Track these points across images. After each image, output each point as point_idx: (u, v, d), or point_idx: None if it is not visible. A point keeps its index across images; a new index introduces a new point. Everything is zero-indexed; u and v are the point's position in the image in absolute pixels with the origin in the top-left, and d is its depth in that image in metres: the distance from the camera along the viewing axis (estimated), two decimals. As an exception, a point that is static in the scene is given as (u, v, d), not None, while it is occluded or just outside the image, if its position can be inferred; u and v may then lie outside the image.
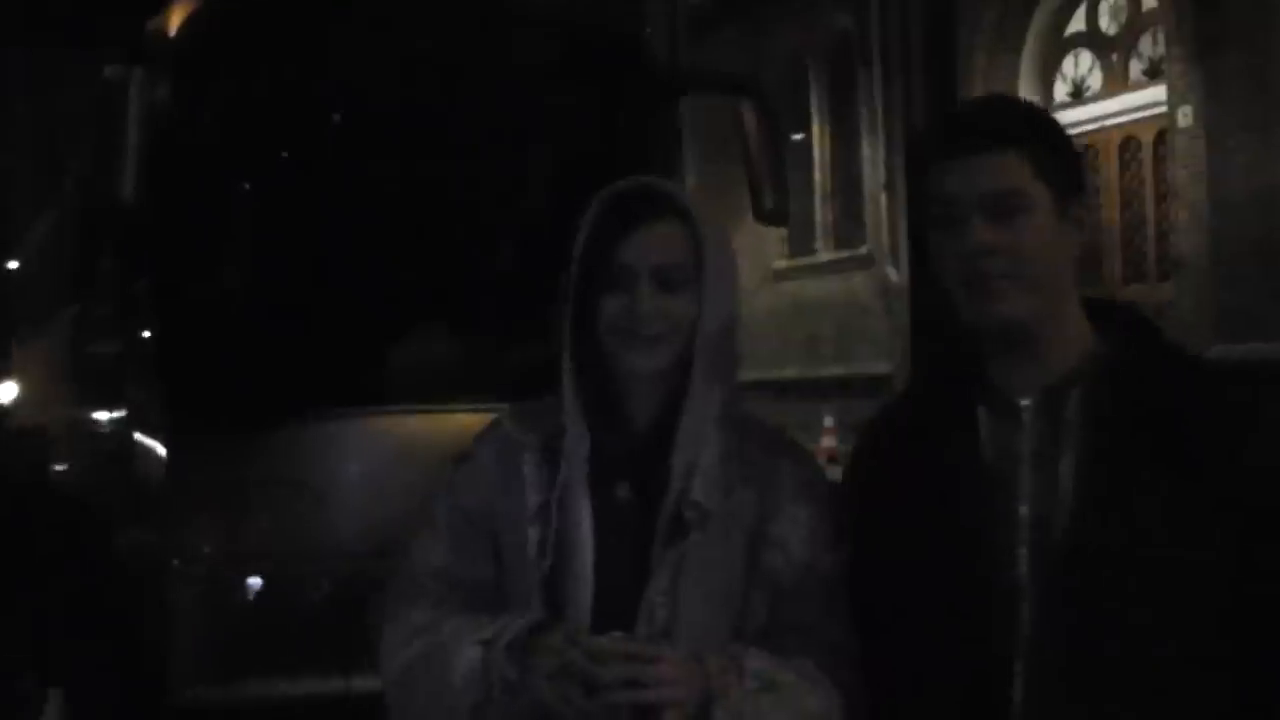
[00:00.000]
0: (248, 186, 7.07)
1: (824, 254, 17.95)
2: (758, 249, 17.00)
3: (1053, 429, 1.99)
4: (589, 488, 2.31)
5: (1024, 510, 1.96)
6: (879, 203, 16.66)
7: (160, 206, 6.59)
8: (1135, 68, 14.01)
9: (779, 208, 7.66)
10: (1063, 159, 2.02)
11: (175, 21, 6.80)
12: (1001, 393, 2.04)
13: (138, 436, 7.04)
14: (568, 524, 2.30)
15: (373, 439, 6.67)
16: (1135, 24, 13.95)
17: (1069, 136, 2.09)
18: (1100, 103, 14.19)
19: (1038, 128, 2.05)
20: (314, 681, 6.34)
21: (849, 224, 17.51)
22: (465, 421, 6.73)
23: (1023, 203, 1.97)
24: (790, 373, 16.55)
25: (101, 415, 7.94)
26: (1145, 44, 13.84)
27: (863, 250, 16.82)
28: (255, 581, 6.33)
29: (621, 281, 2.28)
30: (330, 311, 6.68)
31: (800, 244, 18.12)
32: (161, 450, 6.73)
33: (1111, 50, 14.23)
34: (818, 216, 18.05)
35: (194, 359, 6.56)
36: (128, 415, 7.31)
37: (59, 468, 8.82)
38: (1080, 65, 14.54)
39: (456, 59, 7.21)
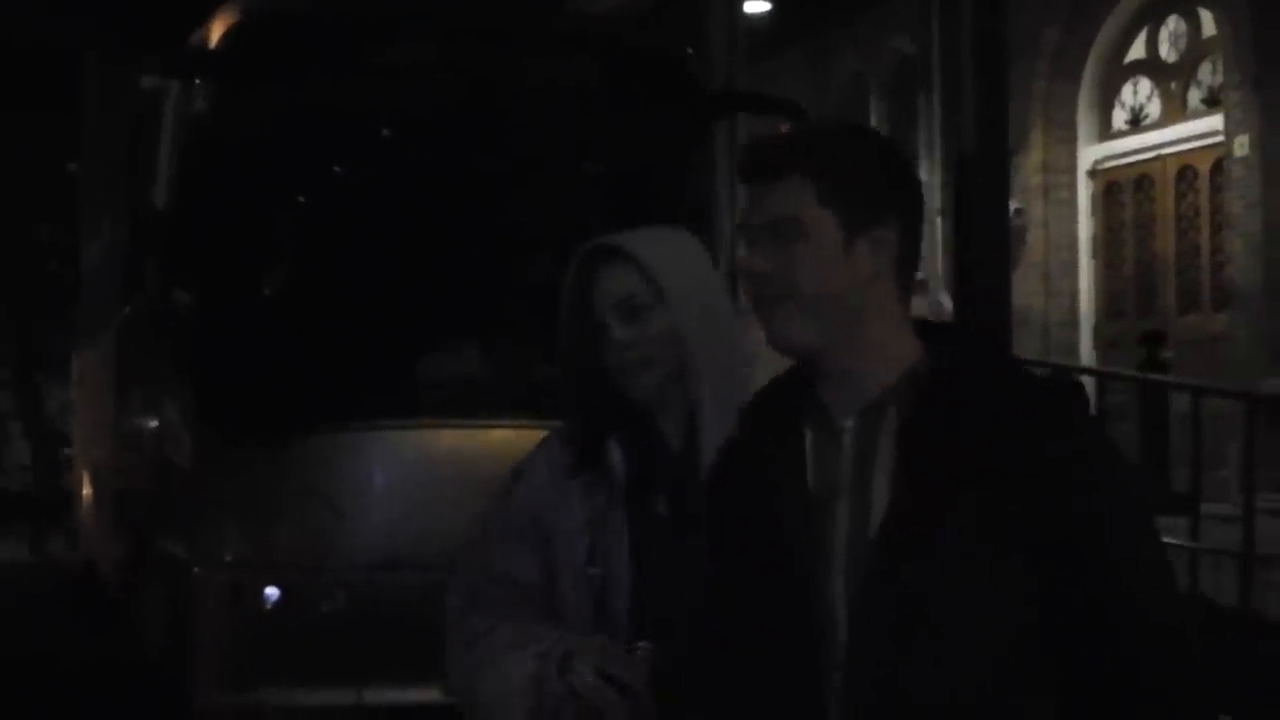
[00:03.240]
0: (284, 199, 7.08)
1: (879, 279, 17.81)
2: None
3: (870, 450, 1.97)
4: (628, 504, 2.57)
5: (840, 534, 1.95)
6: (935, 227, 16.53)
7: (198, 216, 6.64)
8: (1194, 96, 13.85)
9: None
10: (857, 184, 2.00)
11: (215, 35, 6.83)
12: (828, 414, 2.03)
13: (168, 445, 7.08)
14: (610, 538, 2.56)
15: (396, 453, 6.66)
16: (1195, 52, 13.79)
17: (875, 156, 2.06)
18: (1158, 131, 14.03)
19: (828, 152, 2.03)
20: (327, 693, 6.36)
21: (906, 249, 17.38)
22: (491, 437, 6.82)
23: (798, 229, 1.97)
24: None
25: (139, 422, 7.98)
26: (1204, 72, 13.68)
27: (918, 276, 16.66)
28: (273, 592, 6.34)
29: (597, 324, 2.57)
30: (361, 324, 6.68)
31: (855, 268, 17.99)
32: (187, 461, 6.76)
33: (1170, 78, 14.07)
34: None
35: (224, 368, 6.59)
36: (160, 423, 7.35)
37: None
38: (1139, 93, 14.38)
39: (497, 75, 7.20)
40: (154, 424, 7.48)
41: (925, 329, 2.08)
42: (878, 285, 2.02)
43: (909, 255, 2.07)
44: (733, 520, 2.07)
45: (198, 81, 6.63)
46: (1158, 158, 13.95)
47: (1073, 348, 14.05)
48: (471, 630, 2.63)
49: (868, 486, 1.95)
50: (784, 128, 7.73)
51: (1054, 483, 1.87)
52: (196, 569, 6.49)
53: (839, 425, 2.01)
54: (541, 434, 6.86)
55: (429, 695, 6.53)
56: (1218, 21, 13.11)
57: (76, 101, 13.57)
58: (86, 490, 10.99)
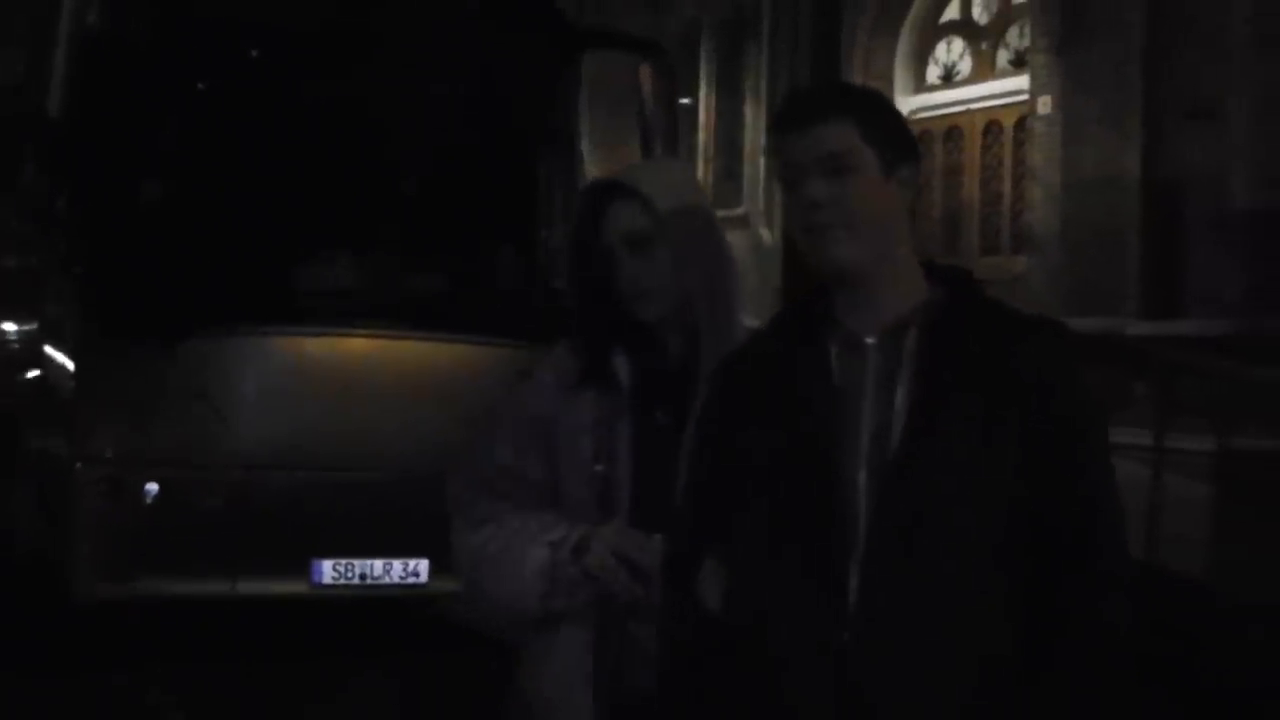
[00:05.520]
0: (172, 107, 6.89)
1: (703, 212, 17.83)
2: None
3: (892, 363, 2.18)
4: (632, 411, 2.63)
5: (865, 431, 2.16)
6: (757, 167, 16.66)
7: (86, 121, 6.46)
8: (1003, 57, 14.12)
9: (667, 163, 7.59)
10: (889, 129, 2.23)
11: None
12: (850, 331, 2.23)
13: (48, 344, 6.85)
14: (614, 439, 2.62)
15: (274, 357, 6.58)
16: (1005, 16, 14.05)
17: (897, 112, 2.31)
18: (968, 87, 14.30)
19: (866, 102, 2.26)
20: (203, 583, 6.29)
21: (728, 185, 17.47)
22: (363, 345, 6.74)
23: (850, 163, 2.17)
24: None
25: (13, 323, 7.70)
26: (1013, 35, 13.94)
27: (739, 211, 16.78)
28: (152, 487, 6.22)
29: (604, 255, 2.65)
30: (241, 232, 6.55)
31: (683, 201, 18.02)
32: (69, 359, 6.57)
33: (982, 39, 14.31)
34: (699, 177, 17.96)
35: (109, 270, 6.41)
36: (40, 323, 7.10)
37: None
38: (952, 51, 14.61)
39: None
40: (31, 319, 7.22)
41: (930, 266, 2.29)
42: (903, 220, 2.25)
43: (915, 200, 2.29)
44: (755, 417, 2.24)
45: None
46: (966, 112, 14.20)
47: (881, 284, 14.28)
48: (480, 514, 2.69)
49: (890, 394, 2.17)
50: (644, 67, 7.71)
51: (1045, 393, 2.14)
52: (78, 464, 6.31)
53: (863, 341, 2.21)
54: (411, 344, 6.83)
55: (298, 587, 6.51)
56: (1028, -11, 13.34)
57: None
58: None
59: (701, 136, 18.11)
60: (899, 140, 2.23)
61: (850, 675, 2.09)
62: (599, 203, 2.68)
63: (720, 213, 17.07)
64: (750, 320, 2.68)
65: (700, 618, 2.27)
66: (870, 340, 2.20)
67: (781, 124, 2.26)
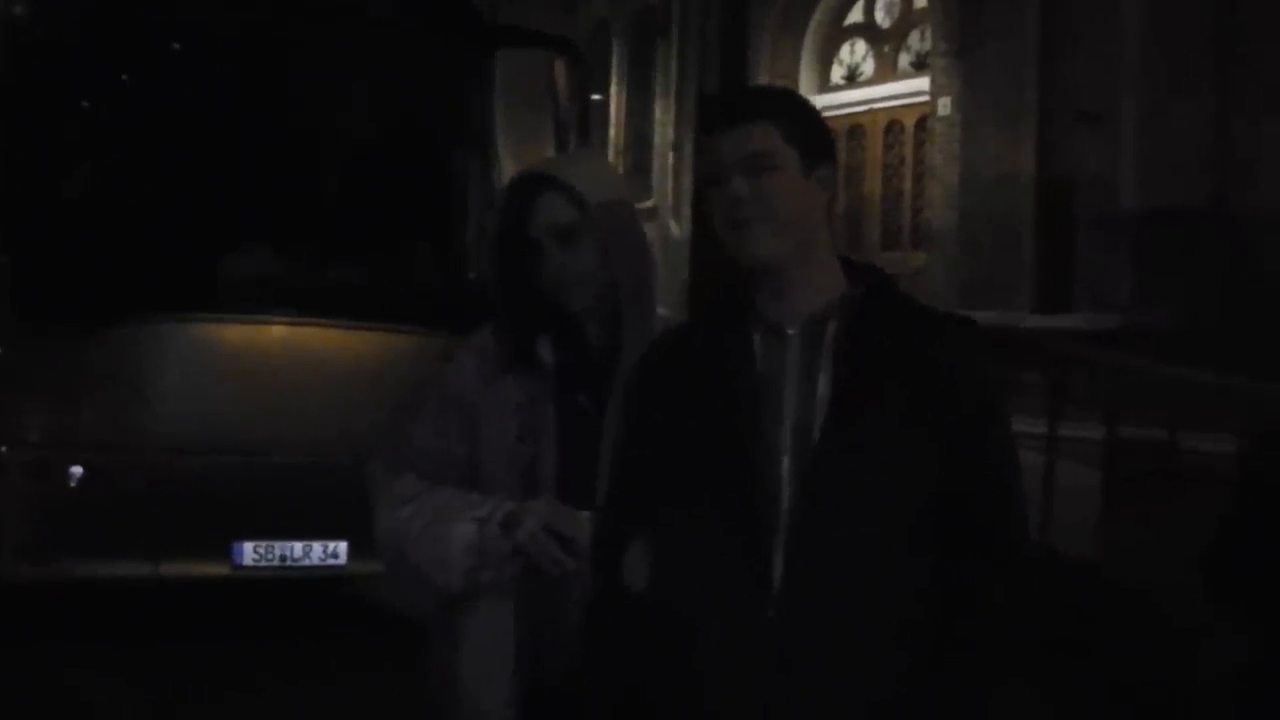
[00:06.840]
0: (95, 98, 6.85)
1: (613, 206, 17.88)
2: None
3: (813, 353, 2.23)
4: (556, 394, 2.63)
5: (788, 418, 2.21)
6: (666, 161, 16.74)
7: (9, 110, 6.41)
8: (904, 59, 14.27)
9: (581, 158, 7.63)
10: (809, 130, 2.27)
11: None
12: (772, 322, 2.26)
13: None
14: (539, 420, 2.62)
15: (195, 344, 6.55)
16: (907, 20, 14.20)
17: (817, 114, 2.34)
18: (871, 88, 14.44)
19: (787, 105, 2.32)
20: (126, 565, 6.27)
21: (638, 179, 17.55)
22: (281, 332, 6.73)
23: (772, 162, 2.22)
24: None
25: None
26: (914, 39, 14.11)
27: (648, 204, 16.88)
28: (77, 470, 6.18)
29: (531, 246, 2.63)
30: (164, 222, 6.52)
31: (593, 195, 18.08)
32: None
33: (884, 42, 14.46)
34: (611, 171, 18.01)
35: (34, 257, 6.35)
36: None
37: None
38: (856, 53, 14.76)
39: None
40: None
41: (847, 263, 2.33)
42: (822, 217, 2.29)
43: (834, 197, 2.34)
44: (681, 404, 2.27)
45: None
46: (869, 111, 14.34)
47: (785, 277, 14.41)
48: (401, 492, 2.66)
49: (812, 383, 2.22)
50: (558, 63, 7.73)
51: (957, 383, 2.22)
52: (3, 447, 6.25)
53: (785, 331, 2.24)
54: (329, 331, 6.81)
55: (219, 569, 6.50)
56: (929, -5, 13.52)
57: None
58: None
59: (612, 131, 18.18)
60: (818, 141, 2.28)
61: (776, 650, 2.13)
62: (527, 195, 2.65)
63: (631, 206, 17.27)
64: (661, 310, 2.70)
65: (627, 600, 2.28)
66: (792, 331, 2.24)
67: (707, 124, 2.30)
